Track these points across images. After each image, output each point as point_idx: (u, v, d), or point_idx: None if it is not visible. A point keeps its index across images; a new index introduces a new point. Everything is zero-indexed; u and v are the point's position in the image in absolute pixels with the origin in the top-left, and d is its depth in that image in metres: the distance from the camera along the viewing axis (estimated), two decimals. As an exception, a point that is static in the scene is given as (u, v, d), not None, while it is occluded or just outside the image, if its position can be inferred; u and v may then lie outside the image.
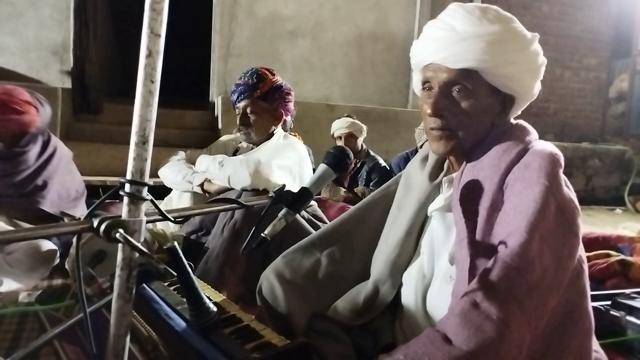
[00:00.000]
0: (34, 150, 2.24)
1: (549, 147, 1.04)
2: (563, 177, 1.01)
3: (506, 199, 0.99)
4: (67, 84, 5.16)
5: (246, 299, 1.75)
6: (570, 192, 1.01)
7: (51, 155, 2.30)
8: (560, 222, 0.94)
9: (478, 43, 1.02)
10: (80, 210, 2.38)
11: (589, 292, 1.03)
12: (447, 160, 1.22)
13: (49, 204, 2.23)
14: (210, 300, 1.00)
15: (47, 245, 2.09)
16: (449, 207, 1.12)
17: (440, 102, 1.07)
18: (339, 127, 3.97)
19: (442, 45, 1.06)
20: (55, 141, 2.36)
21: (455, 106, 1.07)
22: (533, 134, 1.11)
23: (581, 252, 1.02)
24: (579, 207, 1.00)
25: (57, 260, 2.12)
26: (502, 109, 1.12)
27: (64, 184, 2.33)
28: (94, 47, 5.31)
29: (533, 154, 1.01)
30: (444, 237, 1.15)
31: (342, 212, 3.04)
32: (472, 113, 1.07)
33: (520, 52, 1.05)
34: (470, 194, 1.04)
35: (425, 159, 1.29)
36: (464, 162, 1.13)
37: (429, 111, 1.08)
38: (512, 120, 1.17)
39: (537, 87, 1.14)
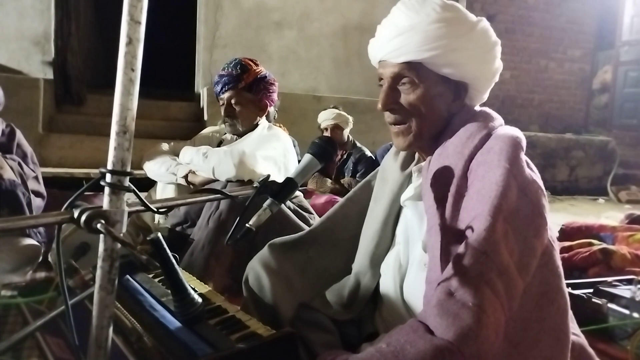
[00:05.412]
0: None
1: (511, 130, 1.05)
2: (526, 159, 1.02)
3: (470, 184, 1.00)
4: (49, 74, 5.08)
5: (232, 290, 1.75)
6: (533, 173, 1.02)
7: (17, 147, 2.18)
8: (524, 203, 0.96)
9: (414, 36, 1.05)
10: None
11: (562, 271, 1.04)
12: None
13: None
14: (196, 291, 1.00)
15: (31, 242, 2.05)
16: (420, 195, 1.13)
17: (389, 97, 1.11)
18: (325, 118, 3.98)
19: (384, 41, 1.10)
20: (20, 136, 2.23)
21: (404, 99, 1.10)
22: (497, 119, 1.11)
23: (551, 232, 1.03)
24: (543, 188, 1.01)
25: (41, 258, 2.09)
26: (456, 96, 1.13)
27: (33, 186, 2.18)
28: (76, 37, 5.21)
29: (495, 139, 1.02)
30: (418, 225, 1.16)
31: (329, 203, 3.09)
32: (422, 104, 1.09)
33: (460, 39, 1.05)
34: (438, 182, 1.05)
35: (398, 151, 1.30)
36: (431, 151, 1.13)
37: (379, 106, 1.12)
38: (477, 107, 1.18)
39: (495, 69, 1.14)
